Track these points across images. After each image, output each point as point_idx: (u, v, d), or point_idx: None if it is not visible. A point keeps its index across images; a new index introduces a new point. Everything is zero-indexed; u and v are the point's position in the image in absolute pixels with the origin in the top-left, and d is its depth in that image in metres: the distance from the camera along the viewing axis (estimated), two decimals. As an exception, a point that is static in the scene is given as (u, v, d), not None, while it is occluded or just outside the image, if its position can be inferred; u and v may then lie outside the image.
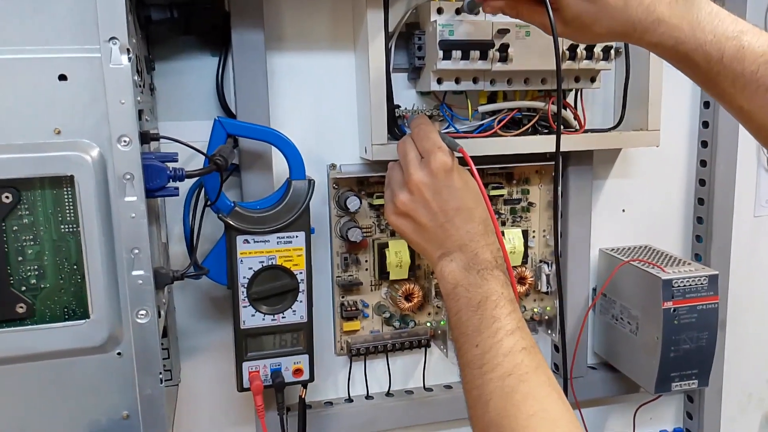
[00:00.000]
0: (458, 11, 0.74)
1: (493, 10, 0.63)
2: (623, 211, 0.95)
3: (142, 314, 0.55)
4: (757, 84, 0.52)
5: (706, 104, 0.94)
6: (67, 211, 0.53)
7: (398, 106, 0.80)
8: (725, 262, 0.96)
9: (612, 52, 0.78)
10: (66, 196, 0.53)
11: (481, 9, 0.72)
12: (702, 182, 0.96)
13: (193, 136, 0.65)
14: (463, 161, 0.64)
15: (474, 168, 0.62)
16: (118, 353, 0.56)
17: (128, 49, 0.52)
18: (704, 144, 0.95)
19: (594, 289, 0.95)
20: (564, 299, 0.91)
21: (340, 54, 0.79)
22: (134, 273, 0.54)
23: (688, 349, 0.83)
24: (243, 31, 0.72)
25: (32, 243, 0.53)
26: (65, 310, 0.55)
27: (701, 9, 0.54)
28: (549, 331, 0.92)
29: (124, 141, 0.52)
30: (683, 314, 0.82)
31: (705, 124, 0.95)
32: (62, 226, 0.54)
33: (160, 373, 0.56)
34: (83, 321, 0.54)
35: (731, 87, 0.54)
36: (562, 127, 0.82)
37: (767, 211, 1.03)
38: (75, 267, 0.54)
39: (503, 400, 0.52)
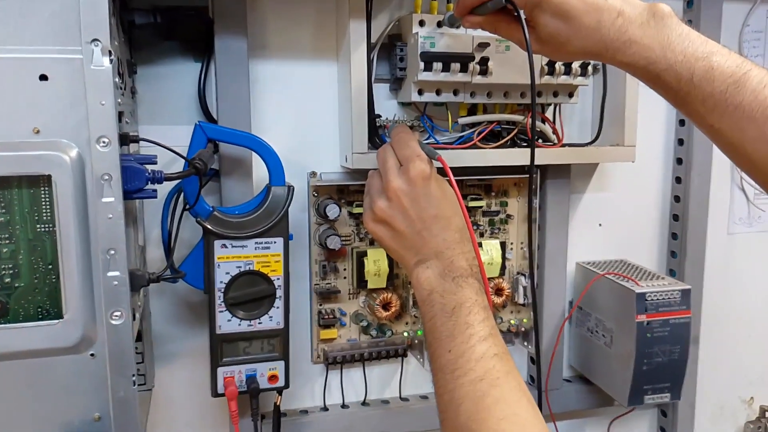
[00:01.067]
0: (440, 24, 0.76)
1: (472, 25, 0.64)
2: (600, 225, 0.97)
3: (117, 315, 0.55)
4: (725, 104, 0.54)
5: (682, 122, 0.96)
6: (44, 211, 0.53)
7: (379, 116, 0.80)
8: (699, 278, 0.98)
9: (590, 68, 0.80)
10: (43, 196, 0.53)
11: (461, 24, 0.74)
12: (677, 198, 0.98)
13: (174, 141, 0.66)
14: (442, 170, 0.64)
15: (452, 177, 0.63)
16: (92, 354, 0.55)
17: (110, 51, 0.52)
18: (679, 161, 0.97)
19: (570, 302, 0.96)
20: (540, 311, 0.92)
21: (323, 63, 0.80)
22: (110, 274, 0.54)
23: (660, 363, 0.84)
24: (226, 38, 0.73)
25: (7, 242, 0.53)
26: (39, 309, 0.54)
27: (672, 30, 0.55)
28: (525, 343, 0.93)
29: (104, 142, 0.52)
30: (656, 328, 0.83)
31: (680, 142, 0.97)
32: (38, 226, 0.53)
33: (134, 375, 0.56)
34: (57, 321, 0.54)
35: (701, 106, 0.55)
36: (540, 140, 0.84)
37: (740, 229, 1.05)
38: (50, 267, 0.54)
39: (474, 404, 0.53)
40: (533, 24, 0.58)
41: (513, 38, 0.62)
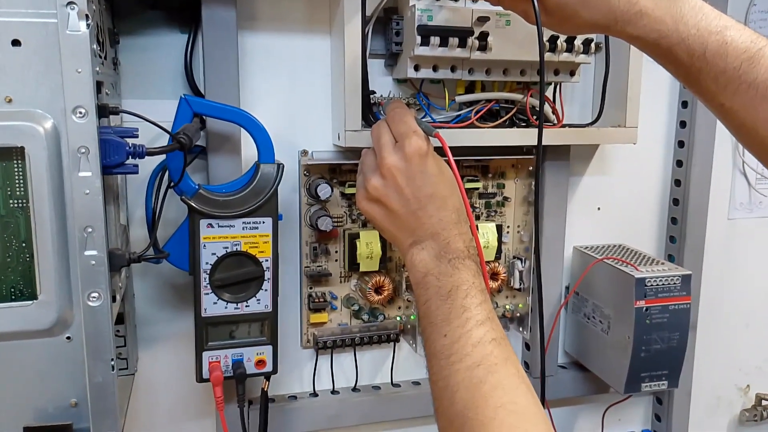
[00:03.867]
0: (438, -4, 0.73)
1: None
2: (598, 209, 0.95)
3: (94, 297, 0.52)
4: (739, 81, 0.52)
5: (684, 104, 0.94)
6: (17, 185, 0.51)
7: (374, 92, 0.77)
8: (698, 264, 0.96)
9: (592, 45, 0.77)
10: (16, 169, 0.50)
11: None
12: (677, 183, 0.96)
13: (158, 116, 0.62)
14: (439, 149, 0.62)
15: (450, 155, 0.60)
16: (68, 337, 0.53)
17: (87, 15, 0.49)
18: (681, 144, 0.95)
19: (567, 287, 0.94)
20: (536, 297, 0.90)
21: (316, 37, 0.77)
22: (87, 253, 0.51)
23: (659, 350, 0.82)
24: (214, 8, 0.69)
25: (-22, 218, 0.50)
26: (12, 290, 0.52)
27: (685, 3, 0.53)
28: (521, 329, 0.91)
29: (80, 112, 0.50)
30: (655, 314, 0.81)
31: (682, 124, 0.94)
32: (11, 201, 0.51)
33: (112, 359, 0.53)
34: (30, 302, 0.52)
35: (713, 84, 0.53)
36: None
37: (741, 214, 1.03)
38: (23, 245, 0.51)
39: (471, 390, 0.50)
40: None
41: (517, 9, 0.59)
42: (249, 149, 0.71)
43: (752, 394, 1.10)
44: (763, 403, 1.09)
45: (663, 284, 0.81)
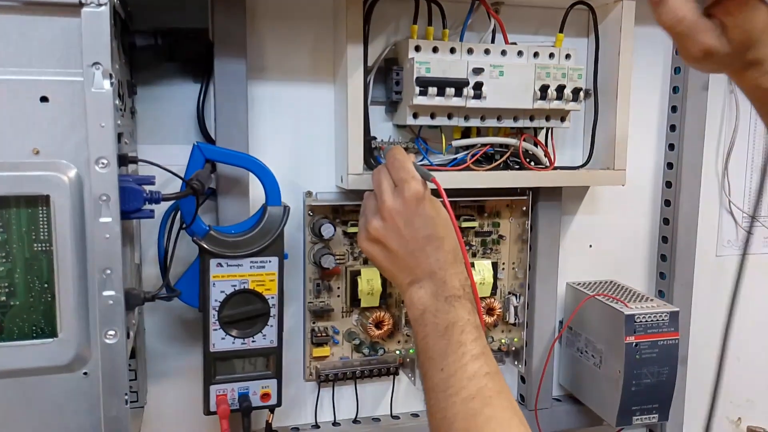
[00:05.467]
0: (435, 50, 0.77)
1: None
2: (590, 246, 0.98)
3: (111, 335, 0.55)
4: None
5: (671, 146, 0.98)
6: (42, 230, 0.54)
7: (374, 138, 0.82)
8: (687, 300, 0.99)
9: (581, 93, 0.81)
10: (41, 215, 0.53)
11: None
12: (666, 221, 0.99)
13: (172, 160, 0.66)
14: (436, 192, 0.65)
15: (446, 198, 0.64)
16: (85, 373, 0.55)
17: (111, 75, 0.53)
18: (668, 184, 0.98)
19: (560, 322, 0.97)
20: (531, 331, 0.93)
21: (320, 85, 0.82)
22: (105, 293, 0.55)
23: (649, 384, 0.85)
24: (225, 60, 0.74)
25: (4, 260, 0.53)
26: (34, 328, 0.55)
27: None
28: (516, 362, 0.94)
29: (102, 163, 0.53)
30: (645, 349, 0.84)
31: (669, 165, 0.98)
32: (35, 245, 0.54)
33: (126, 394, 0.56)
34: (51, 339, 0.54)
35: None
36: (531, 163, 0.85)
37: (729, 251, 1.06)
38: (46, 285, 0.54)
39: (466, 422, 0.53)
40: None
41: (688, 37, 0.49)
42: (257, 191, 0.75)
43: (743, 427, 1.12)
44: (755, 436, 1.11)
45: (652, 320, 0.84)
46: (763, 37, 0.48)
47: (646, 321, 0.84)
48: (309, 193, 0.82)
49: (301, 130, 0.82)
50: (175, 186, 0.69)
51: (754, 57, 0.49)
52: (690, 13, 0.48)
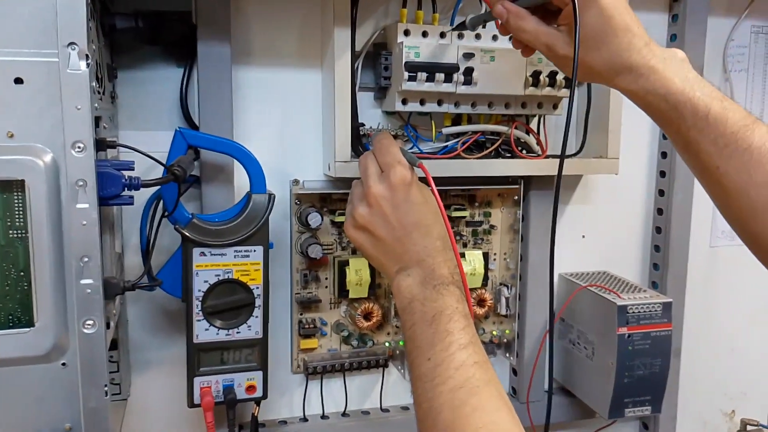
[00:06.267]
0: (425, 34, 0.76)
1: (508, 21, 0.62)
2: (583, 236, 0.97)
3: (89, 324, 0.54)
4: (736, 145, 0.55)
5: (665, 135, 0.96)
6: (17, 216, 0.52)
7: (363, 125, 0.80)
8: (681, 291, 0.98)
9: (574, 80, 0.80)
10: (16, 201, 0.52)
11: (481, 27, 0.76)
12: (660, 211, 0.98)
13: (155, 147, 0.65)
14: (424, 180, 0.64)
15: (433, 184, 0.63)
16: (63, 363, 0.54)
17: (87, 55, 0.51)
18: (663, 174, 0.97)
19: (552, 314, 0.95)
20: (522, 323, 0.91)
21: (307, 70, 0.80)
22: (83, 282, 0.53)
23: (641, 375, 0.84)
24: (209, 44, 0.72)
25: (-22, 247, 0.52)
26: (10, 317, 0.53)
27: (690, 71, 0.58)
28: (507, 354, 0.93)
29: (79, 147, 0.52)
30: (637, 340, 0.83)
31: (663, 155, 0.97)
32: (11, 232, 0.53)
33: (106, 385, 0.55)
34: (28, 329, 0.53)
35: (712, 145, 0.56)
36: (523, 152, 0.84)
37: (723, 242, 1.05)
38: (22, 273, 0.53)
39: (453, 412, 0.52)
40: (569, 21, 0.58)
41: (539, 41, 0.61)
42: (241, 179, 0.73)
43: (737, 419, 1.11)
44: (748, 428, 1.10)
45: (644, 311, 0.83)
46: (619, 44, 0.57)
47: (639, 312, 0.83)
48: (296, 182, 0.80)
49: (287, 117, 0.80)
50: (157, 173, 0.68)
51: (625, 65, 0.57)
52: (531, 24, 0.61)
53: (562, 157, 0.65)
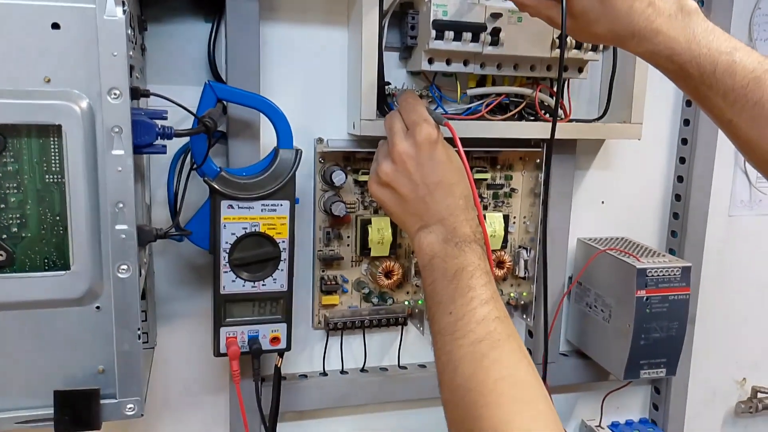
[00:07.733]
0: (453, -8, 0.75)
1: None
2: (602, 202, 0.97)
3: (124, 269, 0.55)
4: (746, 99, 0.54)
5: (689, 102, 0.96)
6: (53, 161, 0.53)
7: (388, 84, 0.80)
8: (698, 258, 0.98)
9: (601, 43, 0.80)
10: (53, 146, 0.53)
11: None
12: (680, 179, 0.98)
13: (181, 100, 0.65)
14: (450, 139, 0.64)
15: (459, 143, 0.63)
16: (97, 307, 0.56)
17: (123, 2, 0.52)
18: (684, 141, 0.97)
19: (570, 278, 0.96)
20: (539, 286, 0.92)
21: (334, 28, 0.80)
22: (117, 227, 0.54)
23: (658, 338, 0.85)
24: (238, -1, 0.72)
25: (15, 191, 0.53)
26: (46, 260, 0.55)
27: (698, 25, 0.56)
28: (524, 316, 0.94)
29: (115, 94, 0.52)
30: (655, 303, 0.83)
31: (686, 122, 0.97)
32: (47, 176, 0.53)
33: (139, 329, 0.56)
34: (63, 272, 0.54)
35: (722, 100, 0.56)
36: (546, 114, 0.84)
37: (741, 212, 1.05)
38: (58, 218, 0.54)
39: (473, 364, 0.53)
40: None
41: (542, 15, 0.61)
42: (267, 135, 0.74)
43: (748, 387, 1.12)
44: (759, 395, 1.11)
45: (663, 275, 0.84)
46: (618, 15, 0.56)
47: (658, 275, 0.83)
48: (320, 140, 0.81)
49: (313, 74, 0.80)
50: (186, 126, 0.68)
51: (627, 31, 0.56)
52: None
53: (554, 120, 0.66)
